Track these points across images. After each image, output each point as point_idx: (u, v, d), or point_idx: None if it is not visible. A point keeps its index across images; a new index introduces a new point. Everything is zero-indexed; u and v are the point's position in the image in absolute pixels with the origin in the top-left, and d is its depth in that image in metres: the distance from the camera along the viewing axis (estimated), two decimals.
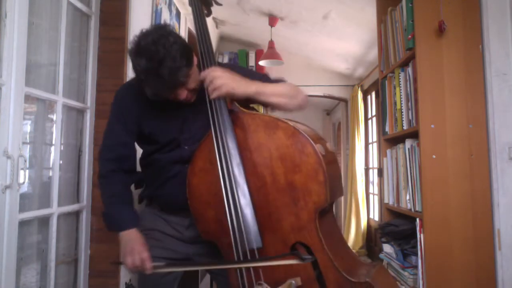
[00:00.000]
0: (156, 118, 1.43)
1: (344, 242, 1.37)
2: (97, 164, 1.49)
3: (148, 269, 1.30)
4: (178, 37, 1.29)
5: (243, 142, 1.27)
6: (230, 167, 1.24)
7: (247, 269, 1.23)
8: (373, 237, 4.82)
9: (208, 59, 1.36)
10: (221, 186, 1.24)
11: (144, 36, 1.26)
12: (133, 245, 1.34)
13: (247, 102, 1.38)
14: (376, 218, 4.84)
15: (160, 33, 1.26)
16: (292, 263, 1.16)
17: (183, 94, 1.32)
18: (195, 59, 1.33)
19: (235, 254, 1.22)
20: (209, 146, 1.30)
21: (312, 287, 1.19)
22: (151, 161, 1.47)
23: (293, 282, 1.19)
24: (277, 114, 1.34)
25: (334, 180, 1.26)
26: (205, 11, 1.47)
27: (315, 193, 1.18)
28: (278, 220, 1.22)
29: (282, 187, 1.22)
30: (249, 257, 1.21)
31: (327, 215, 1.31)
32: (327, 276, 1.18)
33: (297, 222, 1.21)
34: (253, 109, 1.44)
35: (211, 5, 1.49)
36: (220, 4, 1.51)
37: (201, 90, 1.36)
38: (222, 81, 1.25)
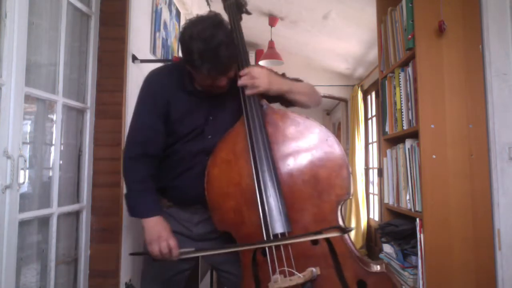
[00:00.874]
0: (183, 105, 1.46)
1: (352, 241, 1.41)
2: (124, 149, 1.52)
3: (176, 256, 1.33)
4: (228, 27, 1.36)
5: (272, 136, 1.35)
6: (261, 156, 1.30)
7: (271, 257, 1.27)
8: (373, 237, 4.82)
9: (245, 60, 1.44)
10: (247, 175, 1.31)
11: (200, 21, 1.33)
12: (159, 231, 1.36)
13: (275, 99, 1.46)
14: (376, 218, 4.84)
15: (217, 20, 1.34)
16: (333, 236, 1.24)
17: (224, 81, 1.37)
18: None
19: (265, 237, 1.27)
20: (235, 138, 1.37)
21: (331, 276, 1.24)
22: (170, 153, 1.48)
23: (314, 270, 1.23)
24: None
25: (351, 177, 1.34)
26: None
27: (339, 187, 1.28)
28: (302, 210, 1.29)
29: (308, 180, 1.30)
30: (277, 241, 1.26)
31: (341, 212, 1.37)
32: (345, 266, 1.24)
33: (319, 213, 1.28)
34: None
35: (242, 12, 1.59)
36: (250, 13, 1.61)
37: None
38: (261, 80, 1.37)
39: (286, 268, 1.24)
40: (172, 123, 1.45)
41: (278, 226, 1.25)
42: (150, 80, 1.50)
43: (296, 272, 1.22)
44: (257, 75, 1.36)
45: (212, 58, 1.27)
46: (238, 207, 1.33)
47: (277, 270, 1.24)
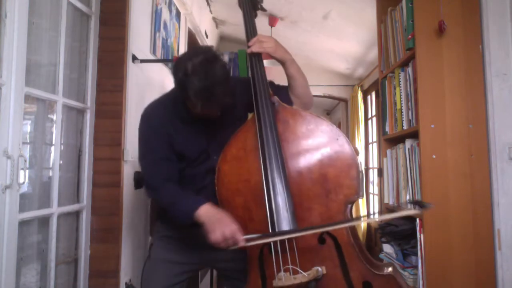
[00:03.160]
0: (184, 135, 1.45)
1: (361, 240, 1.42)
2: (143, 176, 1.51)
3: (240, 240, 1.26)
4: (223, 61, 1.36)
5: (282, 134, 1.35)
6: (270, 154, 1.30)
7: (278, 252, 1.26)
8: (373, 237, 4.82)
9: (258, 60, 1.49)
10: (256, 172, 1.31)
11: (195, 55, 1.31)
12: (220, 218, 1.30)
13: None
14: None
15: (211, 54, 1.33)
16: (411, 214, 1.27)
17: (219, 112, 1.39)
18: None
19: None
20: (246, 134, 1.38)
21: (336, 276, 1.24)
22: (181, 177, 1.47)
23: (320, 269, 1.23)
24: None
25: (361, 177, 1.33)
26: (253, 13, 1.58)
27: (347, 187, 1.28)
28: (309, 209, 1.29)
29: (316, 178, 1.30)
30: (286, 241, 1.25)
31: (349, 212, 1.37)
32: (351, 267, 1.24)
33: (327, 212, 1.28)
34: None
35: (258, 8, 1.60)
36: (265, 10, 1.64)
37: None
38: (268, 44, 1.46)
39: (290, 266, 1.24)
40: (177, 152, 1.45)
41: (285, 224, 1.25)
42: (147, 116, 1.49)
43: (300, 271, 1.21)
44: (265, 40, 1.45)
45: (208, 97, 1.28)
46: (246, 204, 1.34)
47: (282, 267, 1.24)
